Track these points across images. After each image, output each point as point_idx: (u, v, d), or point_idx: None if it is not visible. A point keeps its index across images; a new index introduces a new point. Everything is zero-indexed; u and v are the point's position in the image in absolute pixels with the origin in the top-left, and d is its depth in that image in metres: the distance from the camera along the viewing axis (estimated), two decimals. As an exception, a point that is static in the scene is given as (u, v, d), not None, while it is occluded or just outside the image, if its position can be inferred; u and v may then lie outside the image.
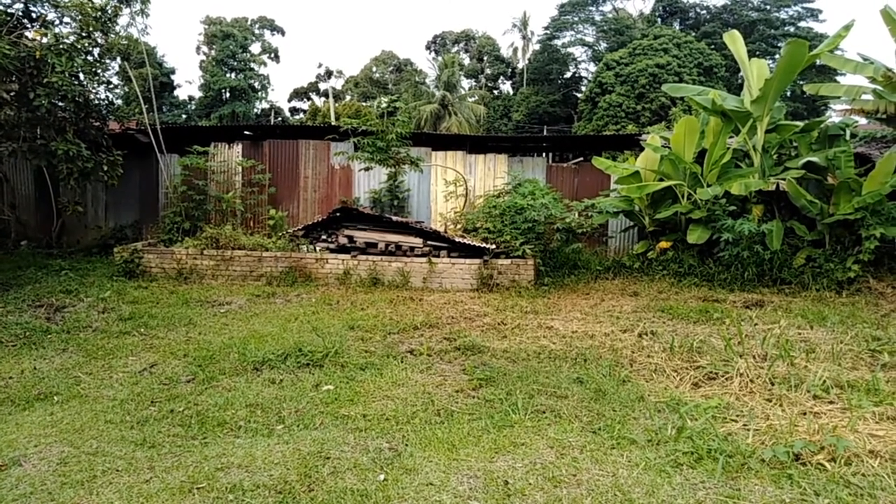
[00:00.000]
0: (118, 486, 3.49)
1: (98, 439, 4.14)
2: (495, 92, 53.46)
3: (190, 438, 4.18)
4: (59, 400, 4.91)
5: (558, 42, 46.25)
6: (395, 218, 10.85)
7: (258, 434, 4.26)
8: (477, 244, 10.11)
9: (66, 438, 4.14)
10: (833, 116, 17.35)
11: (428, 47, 56.78)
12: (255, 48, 51.51)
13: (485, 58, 54.06)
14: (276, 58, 52.68)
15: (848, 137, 10.71)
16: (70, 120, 10.12)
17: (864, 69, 10.54)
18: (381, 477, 3.58)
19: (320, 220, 11.15)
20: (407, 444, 4.04)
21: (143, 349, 6.39)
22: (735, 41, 11.29)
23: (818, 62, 11.07)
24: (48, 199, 13.06)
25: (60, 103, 9.83)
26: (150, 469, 3.69)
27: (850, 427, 4.16)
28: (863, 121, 12.56)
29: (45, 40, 9.36)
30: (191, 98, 51.56)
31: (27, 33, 9.66)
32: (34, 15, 10.28)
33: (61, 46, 9.37)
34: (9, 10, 9.86)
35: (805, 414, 4.50)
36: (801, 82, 23.13)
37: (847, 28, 10.09)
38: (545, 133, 36.42)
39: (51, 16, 10.43)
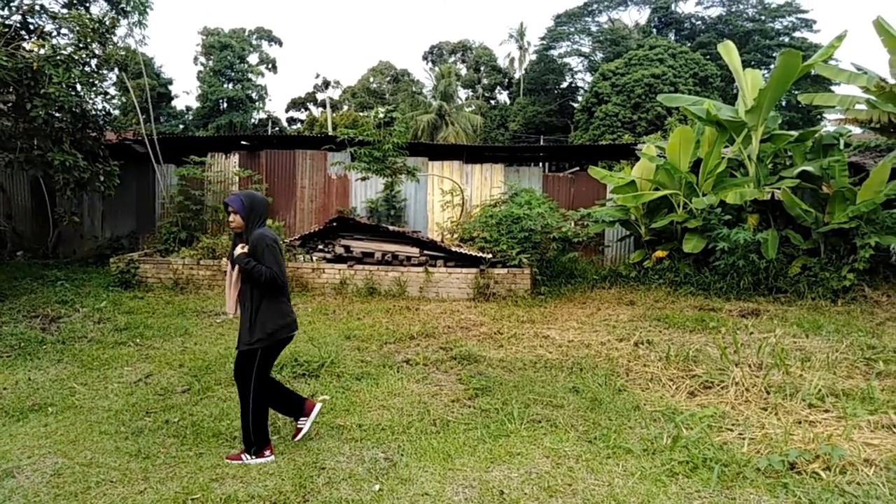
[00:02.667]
0: (112, 497, 3.47)
1: (92, 450, 4.12)
2: (492, 102, 53.65)
3: (185, 449, 4.16)
4: (54, 411, 4.89)
5: (555, 52, 46.46)
6: (391, 227, 10.87)
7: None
8: (473, 253, 10.12)
9: (60, 450, 4.12)
10: (827, 126, 17.44)
11: (425, 58, 57.02)
12: (253, 59, 51.62)
13: (482, 68, 54.27)
14: (274, 68, 52.81)
15: (842, 147, 10.79)
16: (67, 130, 10.12)
17: (857, 79, 10.62)
18: (377, 487, 3.57)
19: (317, 229, 11.16)
20: (402, 455, 4.03)
21: (138, 359, 6.38)
22: (730, 52, 11.38)
23: (812, 72, 11.17)
24: (44, 209, 13.06)
25: (57, 114, 9.84)
26: (144, 480, 3.68)
27: (846, 436, 4.17)
28: (857, 130, 12.63)
29: (42, 51, 9.38)
30: (188, 108, 51.62)
31: (25, 44, 9.68)
32: (32, 26, 10.31)
33: (59, 57, 9.39)
34: (6, 22, 9.89)
35: (800, 423, 4.50)
36: (796, 92, 23.27)
37: (840, 38, 10.18)
38: (542, 143, 36.55)
39: (48, 27, 10.46)
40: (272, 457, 3.97)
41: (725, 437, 4.30)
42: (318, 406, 4.17)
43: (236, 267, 3.90)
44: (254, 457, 3.92)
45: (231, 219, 3.93)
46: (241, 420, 4.00)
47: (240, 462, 3.89)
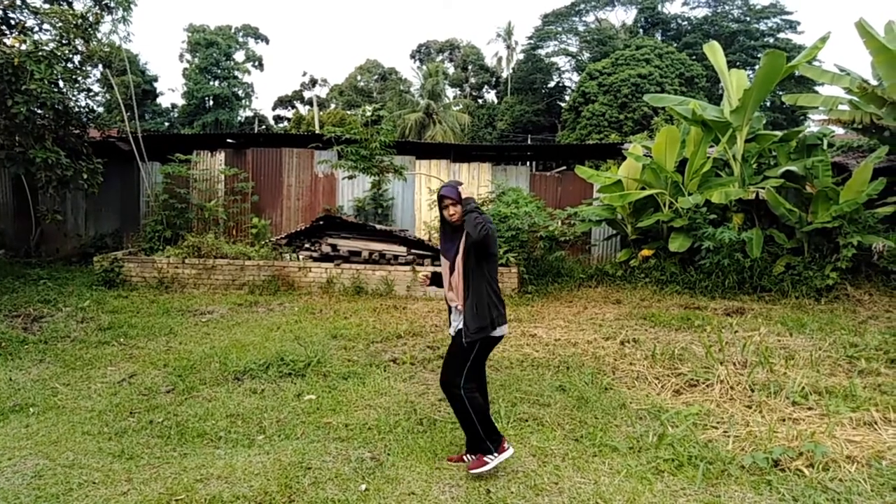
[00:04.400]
0: (95, 498, 3.43)
1: (75, 451, 4.07)
2: (480, 101, 53.71)
3: (169, 450, 4.12)
4: (36, 411, 4.83)
5: (542, 52, 46.55)
6: (378, 226, 10.84)
7: (238, 444, 4.21)
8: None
9: (41, 451, 4.07)
10: (811, 126, 17.64)
11: (413, 56, 57.00)
12: (239, 56, 51.26)
13: (469, 67, 54.33)
14: (261, 66, 52.48)
15: (825, 147, 10.91)
16: (49, 127, 9.98)
17: (840, 80, 10.75)
18: (363, 487, 3.56)
19: (304, 228, 11.11)
20: (389, 454, 4.02)
21: (122, 359, 6.31)
22: (715, 52, 11.46)
23: (797, 73, 11.29)
24: (27, 207, 12.88)
25: (39, 111, 9.70)
26: (127, 481, 3.64)
27: (828, 433, 4.21)
28: (840, 131, 12.80)
29: (23, 47, 9.25)
30: (174, 106, 51.23)
31: (5, 40, 9.55)
32: (13, 21, 10.16)
33: (40, 53, 9.26)
34: (-13, 17, 9.75)
35: (784, 420, 4.54)
36: (781, 93, 23.52)
37: (823, 40, 10.29)
38: (529, 142, 36.61)
39: (30, 22, 10.31)
40: (511, 449, 3.78)
41: (710, 434, 4.33)
42: (510, 451, 3.77)
43: (458, 255, 3.73)
44: (496, 454, 3.68)
45: (451, 211, 3.73)
46: (464, 425, 3.74)
47: (484, 468, 3.65)
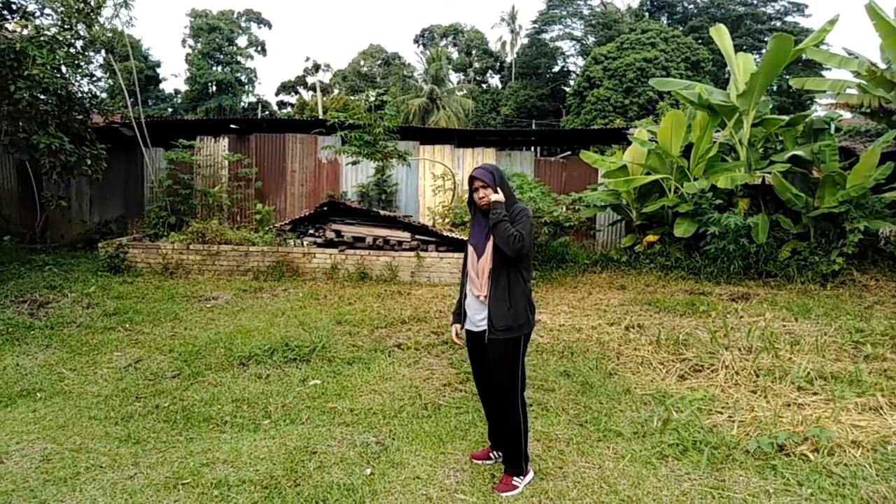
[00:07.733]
0: (102, 482, 3.45)
1: (81, 435, 4.09)
2: (484, 86, 53.31)
3: (175, 434, 4.15)
4: (43, 396, 4.86)
5: (546, 36, 46.10)
6: (382, 212, 10.82)
7: (244, 429, 4.23)
8: (465, 238, 10.09)
9: (48, 435, 4.09)
10: (818, 111, 17.47)
11: (416, 41, 56.53)
12: (242, 41, 51.01)
13: (473, 52, 53.88)
14: (263, 51, 52.22)
15: (833, 131, 10.81)
16: (52, 113, 9.98)
17: (848, 64, 10.62)
18: (368, 471, 3.57)
19: (307, 214, 11.10)
20: (394, 439, 4.03)
21: (127, 345, 6.34)
22: (722, 35, 11.32)
23: (804, 56, 11.16)
24: (31, 193, 12.91)
25: (42, 96, 9.68)
26: (134, 465, 3.66)
27: (833, 418, 4.21)
28: (847, 115, 12.65)
29: (25, 32, 9.21)
30: (176, 91, 51.05)
31: (7, 25, 9.51)
32: (14, 6, 10.11)
33: (42, 38, 9.23)
34: (-12, 2, 9.71)
35: (789, 405, 4.53)
36: (787, 76, 23.32)
37: (832, 23, 10.16)
38: (533, 127, 36.43)
39: (31, 7, 10.28)
40: (532, 473, 3.50)
41: (715, 419, 4.33)
42: (531, 474, 3.48)
43: (488, 243, 3.30)
44: (522, 477, 3.40)
45: (481, 194, 3.31)
46: (513, 437, 3.37)
47: (513, 493, 3.32)
